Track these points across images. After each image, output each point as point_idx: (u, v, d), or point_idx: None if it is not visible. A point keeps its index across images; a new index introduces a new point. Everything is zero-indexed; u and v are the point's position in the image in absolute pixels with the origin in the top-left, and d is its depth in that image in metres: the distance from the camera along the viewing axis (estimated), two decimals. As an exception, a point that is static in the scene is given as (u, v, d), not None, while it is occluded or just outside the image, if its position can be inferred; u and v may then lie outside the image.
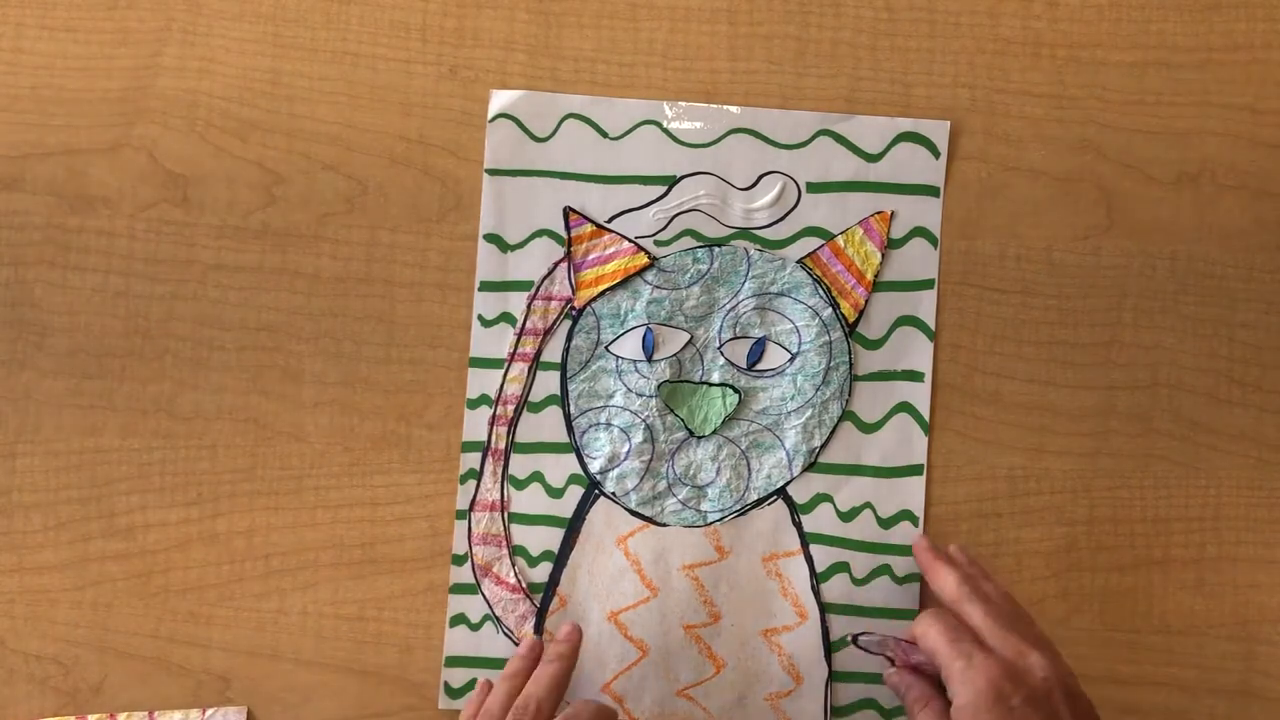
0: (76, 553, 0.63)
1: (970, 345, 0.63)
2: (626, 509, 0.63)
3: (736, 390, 0.62)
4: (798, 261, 0.63)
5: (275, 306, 0.64)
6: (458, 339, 0.63)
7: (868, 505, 0.63)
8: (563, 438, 0.63)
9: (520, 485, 0.63)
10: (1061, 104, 0.64)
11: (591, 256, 0.63)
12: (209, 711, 0.62)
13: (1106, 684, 0.62)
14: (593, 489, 0.63)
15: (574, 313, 0.63)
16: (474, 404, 0.63)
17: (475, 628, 0.62)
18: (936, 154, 0.64)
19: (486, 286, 0.63)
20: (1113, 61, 0.64)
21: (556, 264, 0.64)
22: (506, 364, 0.63)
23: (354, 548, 0.63)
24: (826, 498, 0.63)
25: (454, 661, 0.62)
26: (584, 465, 0.63)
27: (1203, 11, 0.64)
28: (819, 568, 0.63)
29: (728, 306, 0.63)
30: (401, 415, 0.63)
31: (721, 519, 0.63)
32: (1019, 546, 0.63)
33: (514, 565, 0.63)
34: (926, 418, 0.63)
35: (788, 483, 0.63)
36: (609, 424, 0.63)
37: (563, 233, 0.63)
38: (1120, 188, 0.64)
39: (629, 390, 0.63)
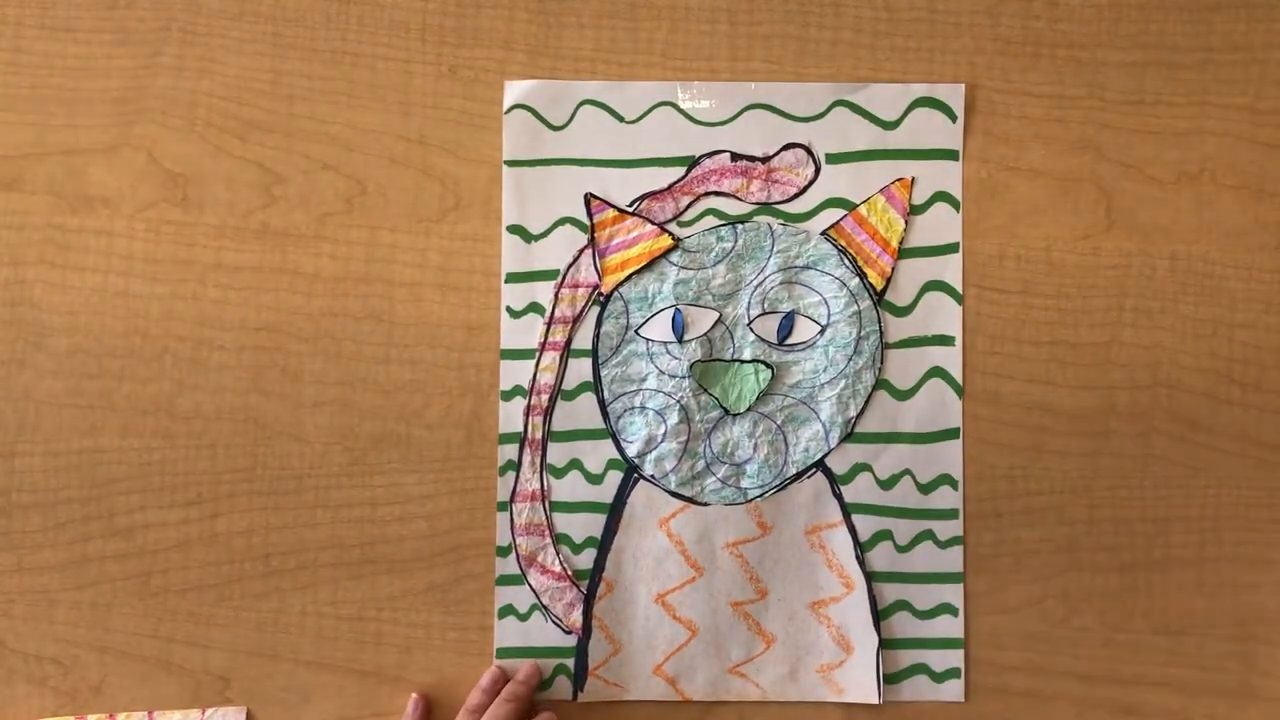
0: (76, 553, 0.63)
1: (970, 345, 0.63)
2: (666, 490, 0.63)
3: (769, 366, 0.63)
4: (821, 233, 0.63)
5: (275, 306, 0.64)
6: (457, 339, 0.63)
7: (907, 472, 0.63)
8: (599, 424, 0.63)
9: (559, 474, 0.63)
10: (1061, 104, 0.64)
11: (615, 241, 0.63)
12: (208, 711, 0.62)
13: (1106, 684, 0.62)
14: (631, 473, 0.63)
15: (601, 298, 0.64)
16: (508, 395, 0.63)
17: (524, 618, 0.63)
18: (953, 118, 0.64)
19: (513, 278, 0.63)
20: (1113, 61, 0.64)
21: (581, 251, 0.64)
22: (538, 354, 0.63)
23: (354, 548, 0.63)
24: (865, 467, 0.63)
25: (505, 653, 0.62)
26: (621, 450, 0.63)
27: (1203, 11, 0.64)
28: (862, 537, 0.63)
29: (754, 283, 0.63)
30: (401, 415, 0.63)
31: (762, 494, 0.63)
32: (1019, 546, 0.63)
33: (558, 553, 0.63)
34: (959, 380, 0.63)
35: (826, 454, 0.63)
36: (644, 407, 0.63)
37: (585, 219, 0.64)
38: (1120, 188, 0.64)
39: (661, 372, 0.63)
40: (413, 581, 0.63)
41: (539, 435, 0.63)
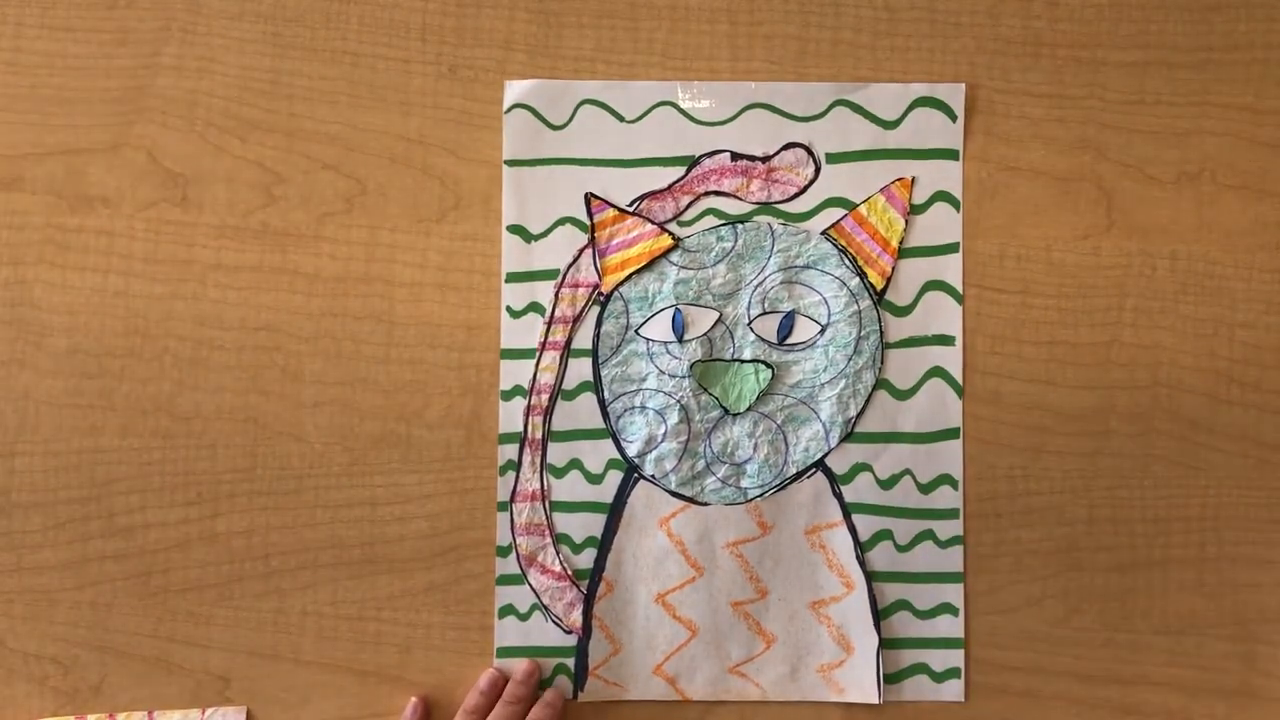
0: (76, 553, 0.63)
1: (970, 345, 0.63)
2: (667, 490, 0.63)
3: (769, 365, 0.63)
4: (822, 233, 0.63)
5: (275, 306, 0.64)
6: (457, 339, 0.63)
7: (907, 472, 0.63)
8: (599, 424, 0.63)
9: (559, 474, 0.63)
10: (1061, 104, 0.64)
11: (615, 241, 0.64)
12: (208, 711, 0.62)
13: (1106, 684, 0.62)
14: (631, 473, 0.63)
15: (601, 298, 0.64)
16: (508, 395, 0.63)
17: (524, 618, 0.63)
18: (954, 117, 0.64)
19: (513, 278, 0.63)
20: (1113, 61, 0.64)
21: (581, 251, 0.64)
22: (538, 353, 0.63)
23: (354, 548, 0.63)
24: (865, 467, 0.63)
25: (505, 653, 0.62)
26: (621, 450, 0.63)
27: (1203, 11, 0.64)
28: (862, 537, 0.63)
29: (755, 282, 0.63)
30: (401, 415, 0.63)
31: (762, 494, 0.63)
32: (1019, 546, 0.63)
33: (558, 553, 0.63)
34: (959, 381, 0.63)
35: (826, 454, 0.63)
36: (644, 407, 0.63)
37: (585, 219, 0.64)
38: (1120, 188, 0.64)
39: (661, 372, 0.63)
40: (413, 581, 0.63)
41: (539, 435, 0.63)
